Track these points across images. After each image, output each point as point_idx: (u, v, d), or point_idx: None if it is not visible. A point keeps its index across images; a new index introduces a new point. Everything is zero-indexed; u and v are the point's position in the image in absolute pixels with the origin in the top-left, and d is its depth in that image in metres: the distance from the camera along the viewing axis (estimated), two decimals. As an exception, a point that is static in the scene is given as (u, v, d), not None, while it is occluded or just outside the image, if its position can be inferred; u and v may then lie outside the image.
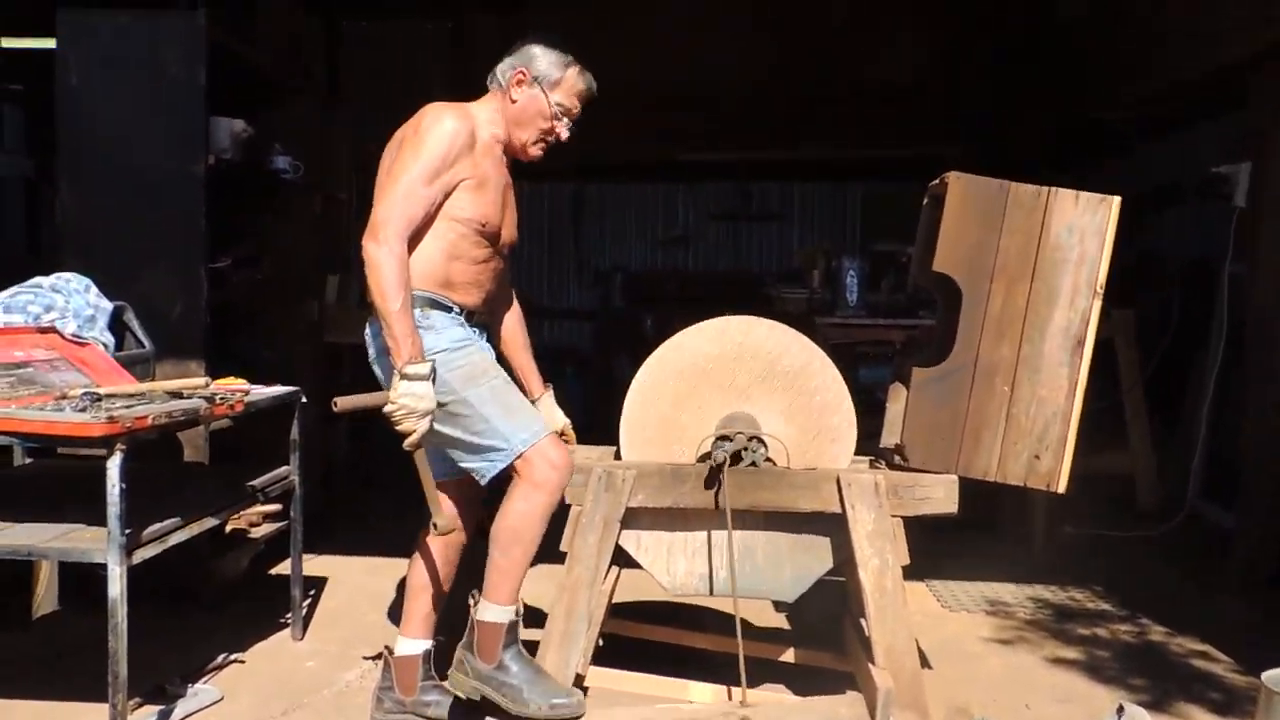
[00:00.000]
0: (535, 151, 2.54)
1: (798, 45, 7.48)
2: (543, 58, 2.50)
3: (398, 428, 2.28)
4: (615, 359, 8.25)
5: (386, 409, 2.27)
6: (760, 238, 8.33)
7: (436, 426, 2.37)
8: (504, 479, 2.42)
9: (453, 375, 2.36)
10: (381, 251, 2.28)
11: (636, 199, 8.44)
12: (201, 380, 2.66)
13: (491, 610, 2.39)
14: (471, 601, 2.44)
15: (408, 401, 2.25)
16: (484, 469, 2.40)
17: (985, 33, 7.43)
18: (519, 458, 2.35)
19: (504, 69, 2.53)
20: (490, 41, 7.63)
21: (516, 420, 2.38)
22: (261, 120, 4.03)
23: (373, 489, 5.24)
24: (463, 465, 2.45)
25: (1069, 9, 6.19)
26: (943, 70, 7.49)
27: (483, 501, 2.64)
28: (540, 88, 2.48)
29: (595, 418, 7.44)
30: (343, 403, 2.29)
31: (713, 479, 2.48)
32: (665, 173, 8.19)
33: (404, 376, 2.25)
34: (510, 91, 2.51)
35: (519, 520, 2.36)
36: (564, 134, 2.55)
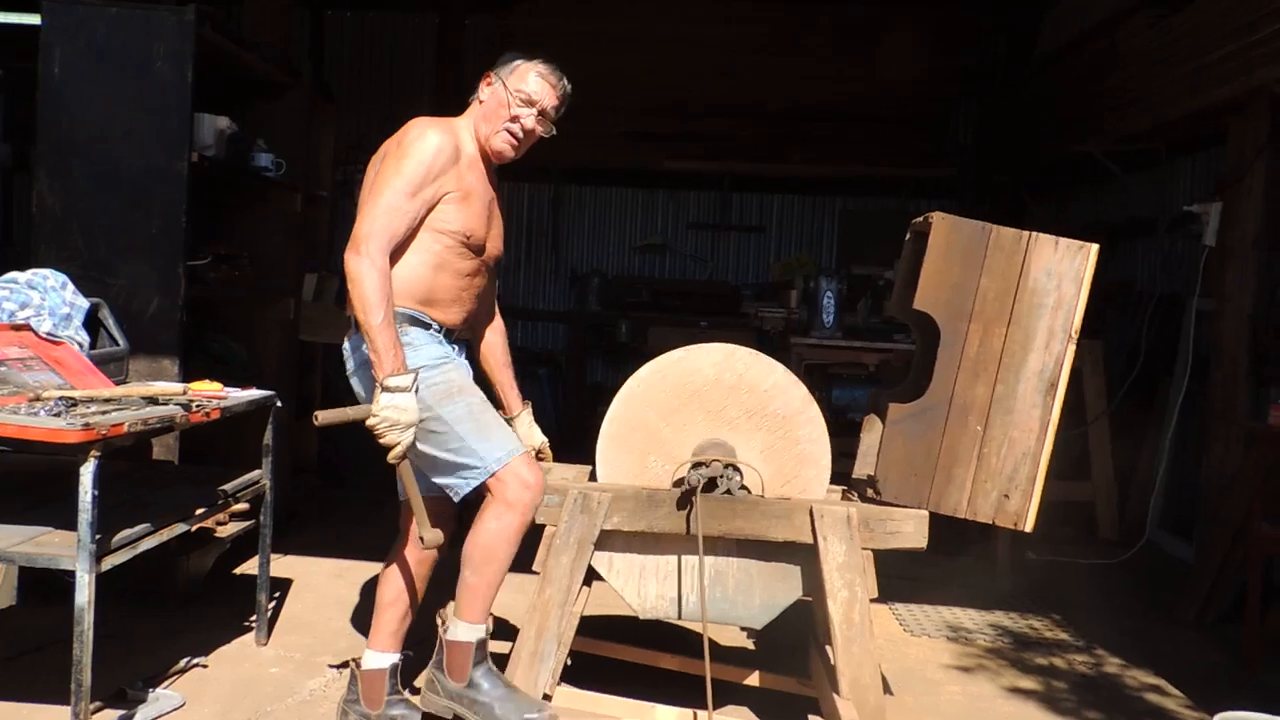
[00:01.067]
0: (500, 144, 2.51)
1: (784, 65, 7.55)
2: (506, 57, 2.55)
3: (381, 440, 2.29)
4: (588, 362, 8.28)
5: (369, 422, 2.27)
6: (738, 248, 8.36)
7: (414, 442, 2.37)
8: (477, 497, 2.44)
9: (429, 392, 2.37)
10: (363, 265, 2.29)
11: (616, 203, 8.45)
12: (178, 387, 2.64)
13: (462, 629, 2.41)
14: (440, 621, 2.45)
15: (390, 414, 2.26)
16: (458, 486, 2.42)
17: (970, 61, 7.55)
18: (492, 476, 2.37)
19: (481, 82, 2.57)
20: (479, 39, 7.67)
21: (491, 439, 2.39)
22: (245, 117, 4.00)
23: (341, 490, 5.22)
24: (436, 482, 2.46)
25: (1048, 41, 6.29)
26: (927, 95, 7.59)
27: (457, 517, 2.65)
28: (500, 81, 2.51)
29: (566, 419, 7.52)
30: (324, 416, 2.29)
31: (686, 503, 2.50)
32: (646, 179, 8.21)
33: (386, 389, 2.26)
34: (480, 94, 2.55)
35: (491, 539, 2.38)
36: (528, 123, 2.50)
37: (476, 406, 2.43)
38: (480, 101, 2.55)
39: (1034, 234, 2.47)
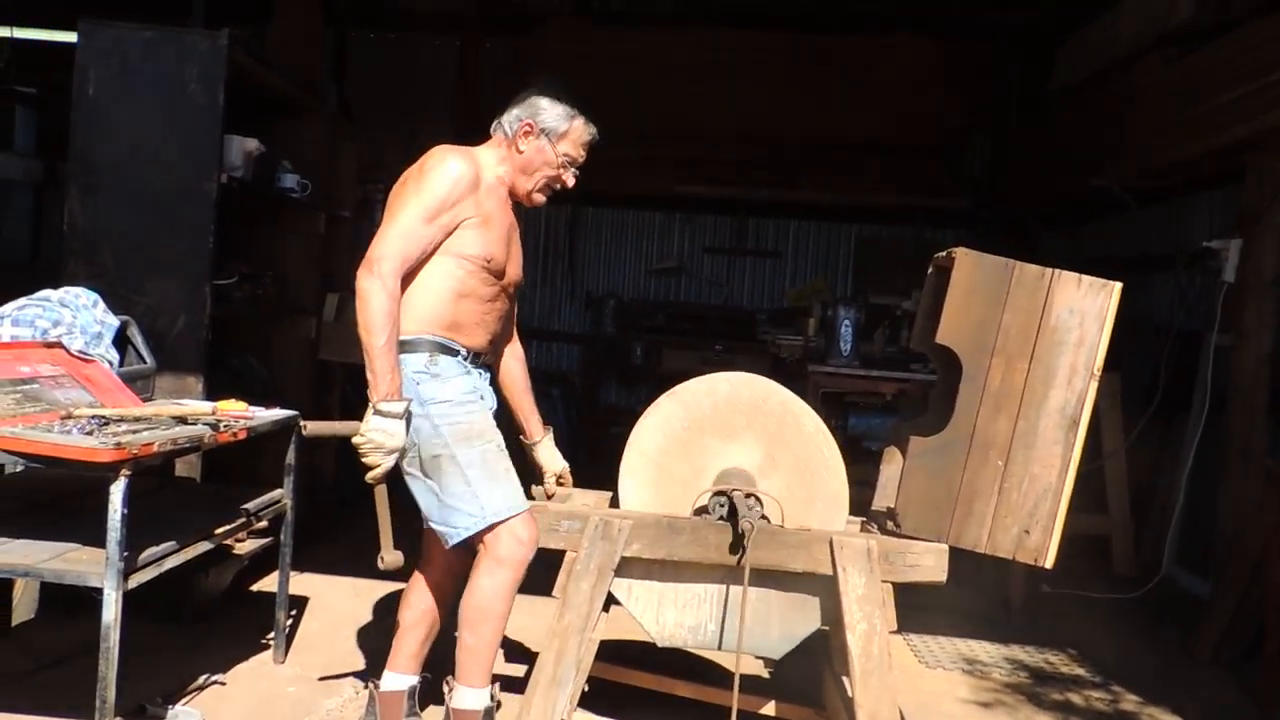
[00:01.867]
0: (539, 199, 2.59)
1: (798, 94, 7.60)
2: (549, 110, 2.53)
3: (364, 460, 2.31)
4: (602, 384, 8.30)
5: (355, 440, 2.30)
6: (753, 273, 8.39)
7: (420, 474, 2.40)
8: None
9: (451, 430, 2.38)
10: (374, 285, 2.31)
11: (633, 226, 8.49)
12: (207, 406, 2.67)
13: (468, 696, 2.41)
14: (446, 689, 2.46)
15: (376, 436, 2.28)
16: (449, 534, 2.41)
17: (984, 94, 7.60)
18: (489, 529, 2.37)
19: (510, 120, 2.56)
20: (498, 61, 7.75)
21: (498, 490, 2.39)
22: (271, 137, 4.06)
23: (355, 509, 5.22)
24: (431, 524, 2.45)
25: (1062, 76, 6.32)
26: (941, 127, 7.63)
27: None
28: (547, 139, 2.52)
29: (579, 440, 7.53)
30: (312, 427, 2.33)
31: (738, 548, 2.49)
32: (662, 202, 8.25)
33: (377, 411, 2.28)
34: (517, 142, 2.54)
35: (486, 599, 2.39)
36: (570, 181, 2.61)
37: (492, 454, 2.43)
38: (518, 150, 2.54)
39: (1057, 271, 2.48)
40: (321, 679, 3.10)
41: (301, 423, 2.28)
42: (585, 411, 8.00)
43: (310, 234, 4.44)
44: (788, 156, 7.68)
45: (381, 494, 2.37)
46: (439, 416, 2.36)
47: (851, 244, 8.29)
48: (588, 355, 8.19)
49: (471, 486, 2.36)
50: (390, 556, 2.39)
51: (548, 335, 8.32)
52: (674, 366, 6.98)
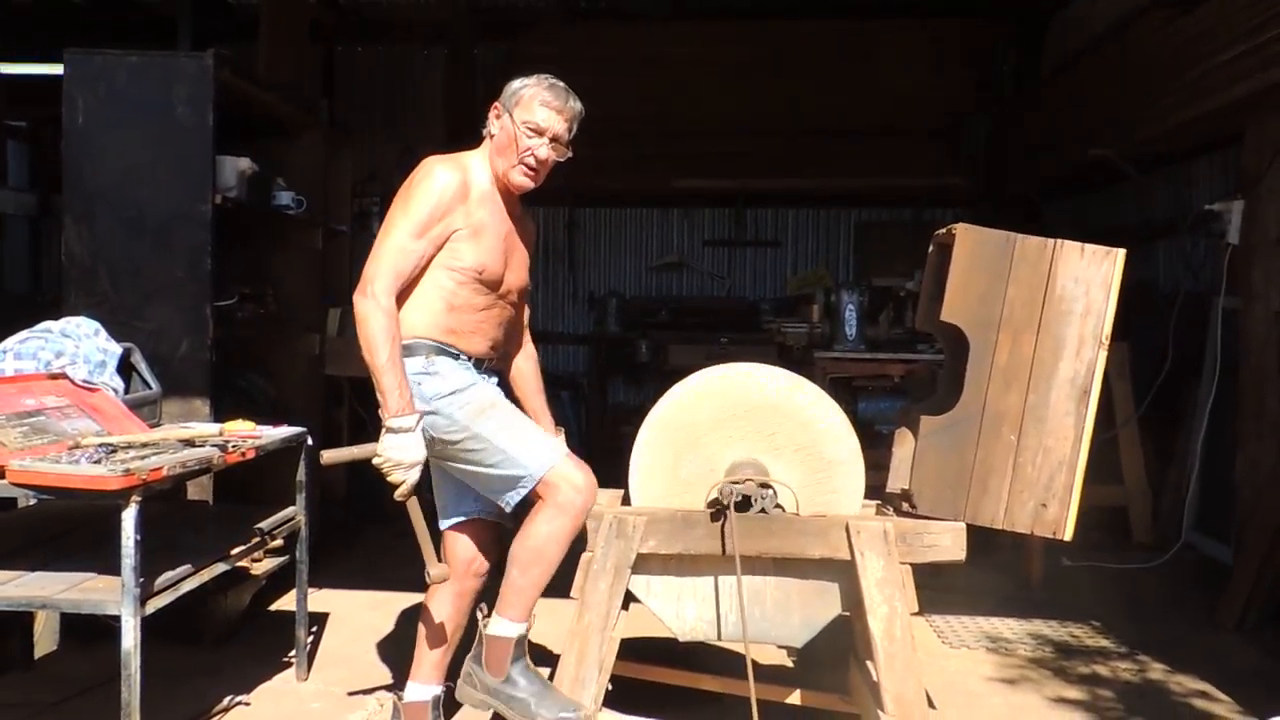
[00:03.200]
0: (518, 179, 2.50)
1: (793, 81, 7.57)
2: (511, 86, 2.52)
3: (387, 479, 2.31)
4: (610, 383, 8.29)
5: (375, 461, 2.31)
6: (754, 263, 8.37)
7: (456, 465, 2.42)
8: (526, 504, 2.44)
9: (462, 413, 2.39)
10: (369, 305, 2.32)
11: (631, 223, 8.48)
12: (214, 428, 2.67)
13: (503, 625, 2.42)
14: (481, 615, 2.46)
15: (394, 454, 2.29)
16: (509, 497, 2.43)
17: (981, 72, 7.56)
18: (540, 482, 2.38)
19: (489, 113, 2.56)
20: (488, 68, 7.74)
21: (532, 446, 2.41)
22: (265, 155, 4.05)
23: (369, 522, 5.23)
24: (490, 497, 2.48)
25: (1058, 49, 6.29)
26: (938, 107, 7.60)
27: (499, 543, 2.66)
28: (508, 114, 2.49)
29: (590, 441, 7.52)
30: (329, 455, 2.33)
31: (720, 517, 2.49)
32: (660, 198, 8.23)
33: (389, 430, 2.29)
34: (489, 128, 2.54)
35: (542, 542, 2.39)
36: (541, 153, 2.48)
37: (510, 418, 2.46)
38: (490, 135, 2.53)
39: (1059, 242, 2.46)
40: (351, 694, 3.10)
41: (321, 453, 2.28)
42: (595, 412, 7.99)
43: (309, 250, 4.43)
44: (785, 145, 7.65)
45: (414, 508, 2.37)
46: (447, 406, 2.38)
47: (851, 229, 8.26)
48: (593, 356, 8.18)
49: (508, 452, 2.38)
50: (436, 570, 2.40)
51: (552, 338, 8.31)
52: (680, 362, 6.96)
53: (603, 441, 7.20)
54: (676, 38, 7.58)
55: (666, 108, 7.67)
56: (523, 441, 2.40)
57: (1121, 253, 2.44)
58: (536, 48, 7.67)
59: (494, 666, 2.40)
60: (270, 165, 4.10)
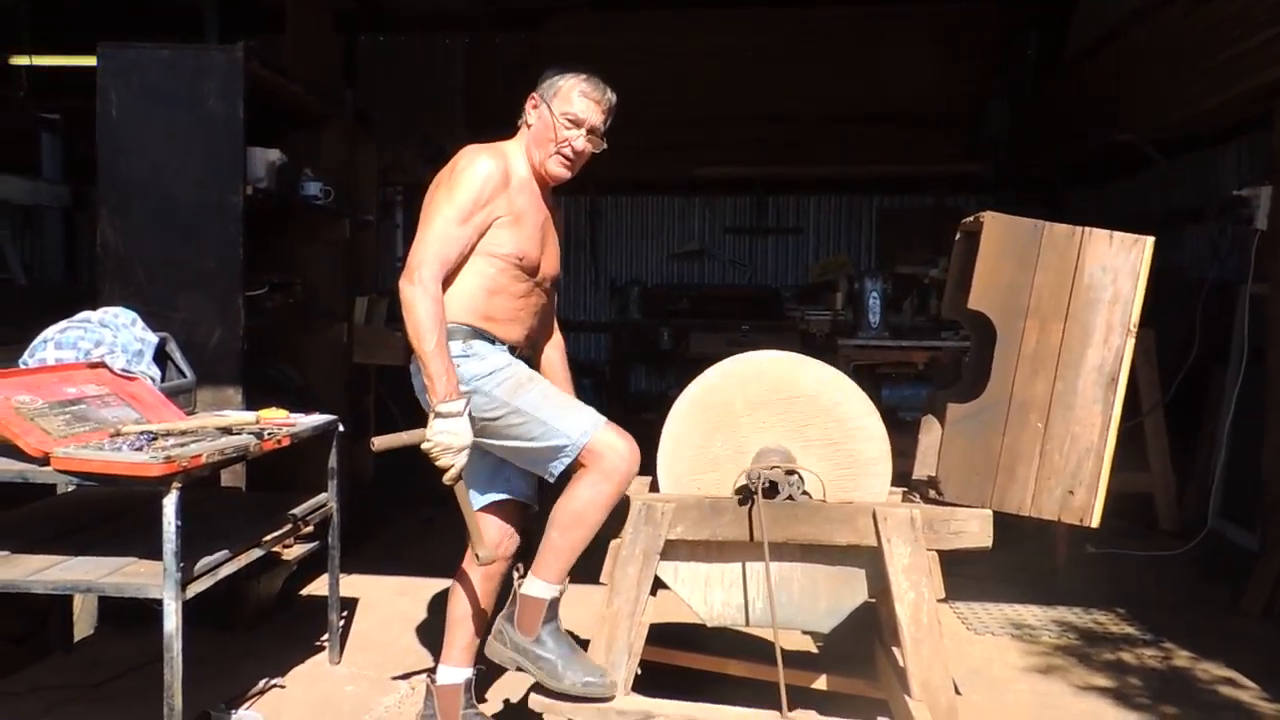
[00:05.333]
0: (555, 169, 2.55)
1: (813, 68, 7.55)
2: (547, 77, 2.57)
3: (436, 464, 2.34)
4: (631, 371, 8.32)
5: (424, 446, 2.34)
6: (775, 251, 8.37)
7: (497, 442, 2.46)
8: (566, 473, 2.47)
9: (501, 389, 2.43)
10: (416, 292, 2.35)
11: (652, 212, 8.50)
12: (251, 416, 2.72)
13: (537, 585, 2.45)
14: (517, 574, 2.50)
15: (443, 439, 2.32)
16: (554, 467, 2.46)
17: (1002, 56, 7.50)
18: (584, 450, 2.41)
19: (527, 104, 2.60)
20: (509, 58, 7.76)
21: (572, 415, 2.45)
22: (291, 146, 4.09)
23: (397, 508, 5.29)
24: (532, 470, 2.53)
25: (1081, 33, 6.24)
26: (959, 93, 7.56)
27: (525, 529, 2.70)
28: (545, 104, 2.54)
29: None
30: (379, 442, 2.36)
31: (748, 502, 2.51)
32: (681, 186, 8.24)
33: (439, 414, 2.32)
34: (527, 118, 2.58)
35: (583, 506, 2.42)
36: (579, 144, 2.53)
37: (549, 390, 2.51)
38: (528, 125, 2.58)
39: (1087, 229, 2.46)
40: (393, 678, 3.14)
41: (372, 439, 2.31)
42: (617, 401, 8.03)
43: (336, 240, 4.47)
44: (805, 132, 7.64)
45: (462, 492, 2.41)
46: (487, 385, 2.41)
47: (873, 215, 8.25)
48: (615, 344, 8.21)
49: (549, 423, 2.41)
50: (484, 551, 2.44)
51: (574, 326, 8.35)
52: (702, 349, 6.98)
53: (625, 429, 7.22)
54: (696, 25, 7.57)
55: (687, 96, 7.67)
56: (563, 411, 2.44)
57: (1150, 240, 2.43)
58: (557, 37, 7.68)
59: (526, 626, 2.44)
60: (296, 156, 4.14)
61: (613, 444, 2.42)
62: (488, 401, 2.42)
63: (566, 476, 2.48)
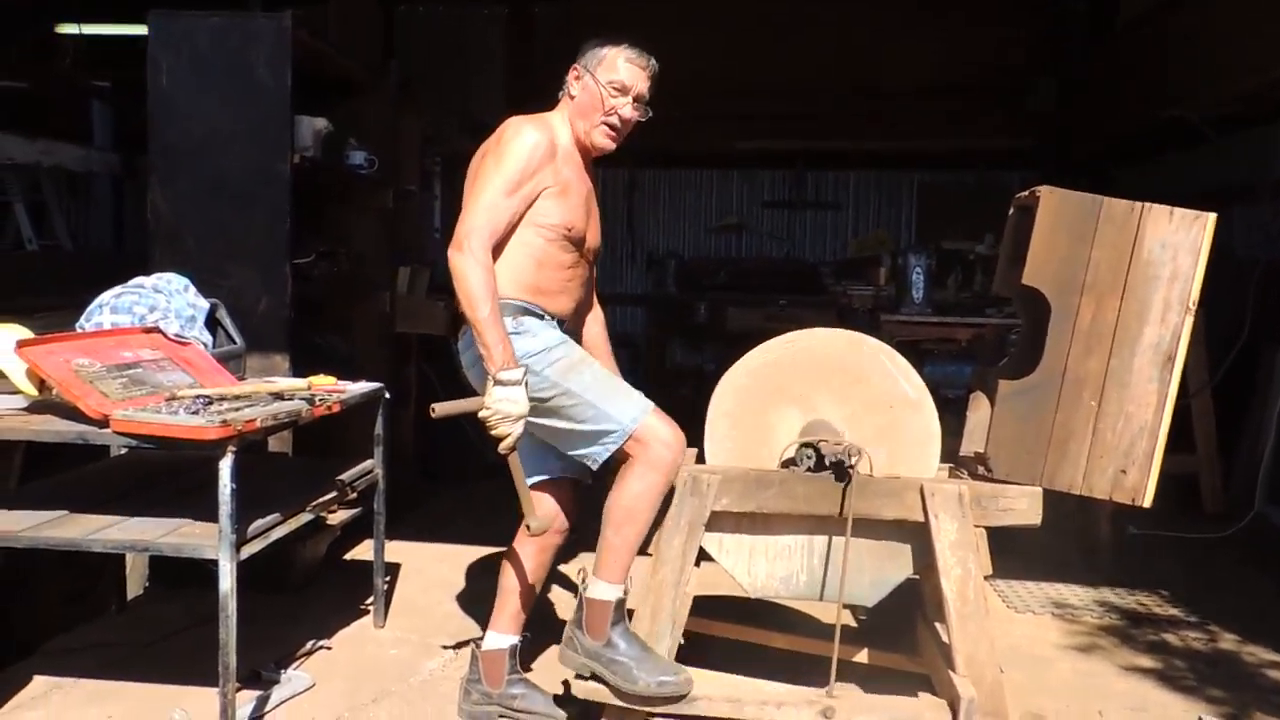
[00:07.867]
0: (600, 139, 2.55)
1: (856, 39, 7.44)
2: (589, 48, 2.56)
3: (493, 433, 2.35)
4: (667, 344, 8.31)
5: (482, 414, 2.34)
6: (814, 226, 8.31)
7: (544, 422, 2.46)
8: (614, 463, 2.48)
9: (552, 370, 2.43)
10: (467, 261, 2.34)
11: (691, 185, 8.45)
12: (303, 382, 2.75)
13: (601, 588, 2.46)
14: (581, 579, 2.51)
15: (502, 407, 2.32)
16: (597, 453, 2.46)
17: (1050, 29, 7.35)
18: (630, 438, 2.41)
19: (568, 76, 2.58)
20: (548, 27, 7.71)
21: (622, 400, 2.45)
22: (337, 116, 4.11)
23: (436, 478, 5.34)
24: (575, 454, 2.51)
25: (1132, 5, 6.10)
26: (1005, 66, 7.42)
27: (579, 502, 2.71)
28: (590, 75, 2.53)
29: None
30: (440, 409, 2.36)
31: (843, 477, 2.49)
32: (720, 159, 8.18)
33: (498, 383, 2.32)
34: (569, 89, 2.57)
35: (634, 500, 2.42)
36: (626, 112, 2.53)
37: (600, 372, 2.51)
38: (571, 97, 2.57)
39: (1147, 205, 2.42)
40: (444, 647, 3.18)
41: (432, 406, 2.32)
42: (653, 374, 8.03)
43: (380, 209, 4.50)
44: (846, 105, 7.54)
45: (515, 462, 2.42)
46: (538, 364, 2.41)
47: (914, 191, 8.15)
48: (651, 317, 8.20)
49: (598, 406, 2.41)
50: (536, 522, 2.45)
51: (611, 299, 8.30)
52: (739, 324, 6.96)
53: (661, 402, 7.21)
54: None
55: (727, 67, 7.58)
56: (613, 396, 2.44)
57: (1213, 217, 2.39)
58: (596, 7, 7.56)
59: (594, 630, 2.43)
60: (341, 126, 4.16)
61: (659, 433, 2.42)
62: (539, 381, 2.41)
63: (607, 472, 2.47)
